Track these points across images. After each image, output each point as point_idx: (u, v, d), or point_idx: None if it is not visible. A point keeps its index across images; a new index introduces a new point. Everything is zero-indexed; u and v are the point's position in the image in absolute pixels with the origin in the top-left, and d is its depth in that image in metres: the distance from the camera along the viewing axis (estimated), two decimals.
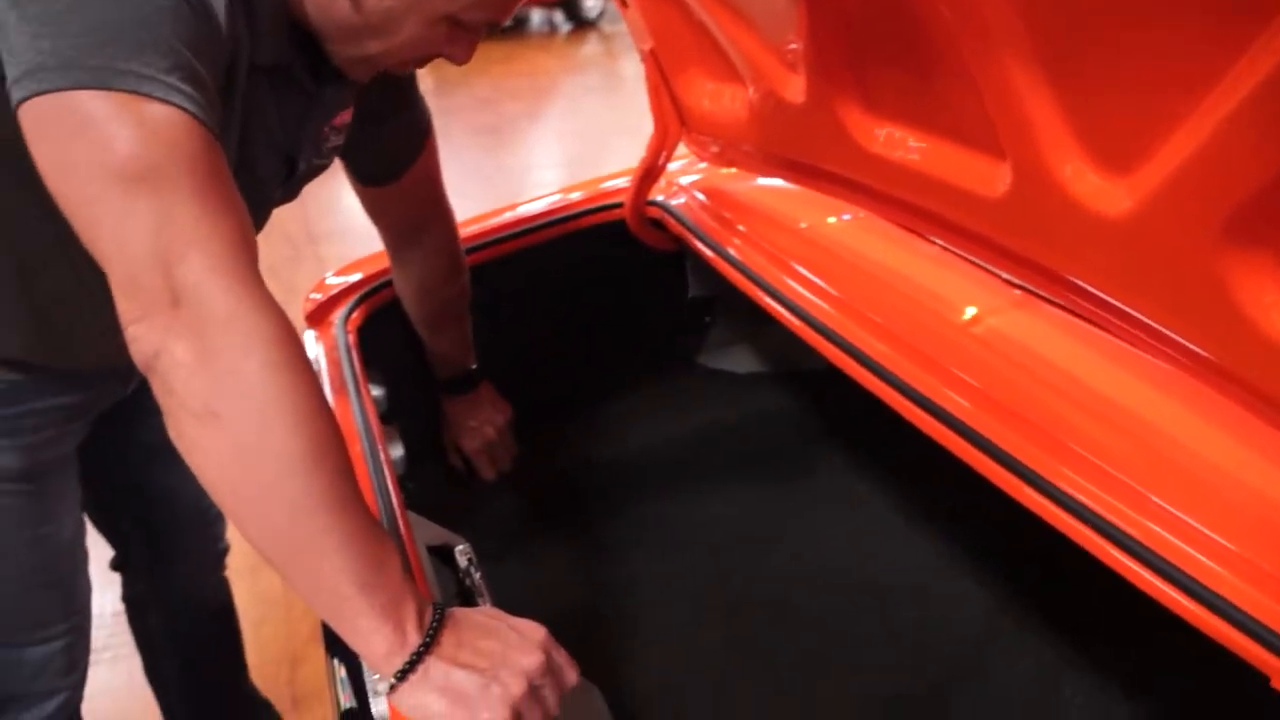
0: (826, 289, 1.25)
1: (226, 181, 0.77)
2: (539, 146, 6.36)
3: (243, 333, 0.72)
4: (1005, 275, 1.13)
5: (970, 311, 1.16)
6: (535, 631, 0.80)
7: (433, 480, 1.58)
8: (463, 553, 0.97)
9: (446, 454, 1.58)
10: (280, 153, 1.02)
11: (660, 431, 1.73)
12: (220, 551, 1.54)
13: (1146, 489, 0.86)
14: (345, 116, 1.09)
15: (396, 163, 1.26)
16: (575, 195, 1.69)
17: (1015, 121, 0.81)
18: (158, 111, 0.72)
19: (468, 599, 0.96)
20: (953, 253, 1.24)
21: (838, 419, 1.73)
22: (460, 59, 0.97)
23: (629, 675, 1.30)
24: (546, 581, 1.46)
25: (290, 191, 1.13)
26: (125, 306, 0.72)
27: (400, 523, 1.02)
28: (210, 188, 0.74)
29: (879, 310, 1.19)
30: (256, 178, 0.99)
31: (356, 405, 1.24)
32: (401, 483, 1.36)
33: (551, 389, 1.74)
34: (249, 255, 0.75)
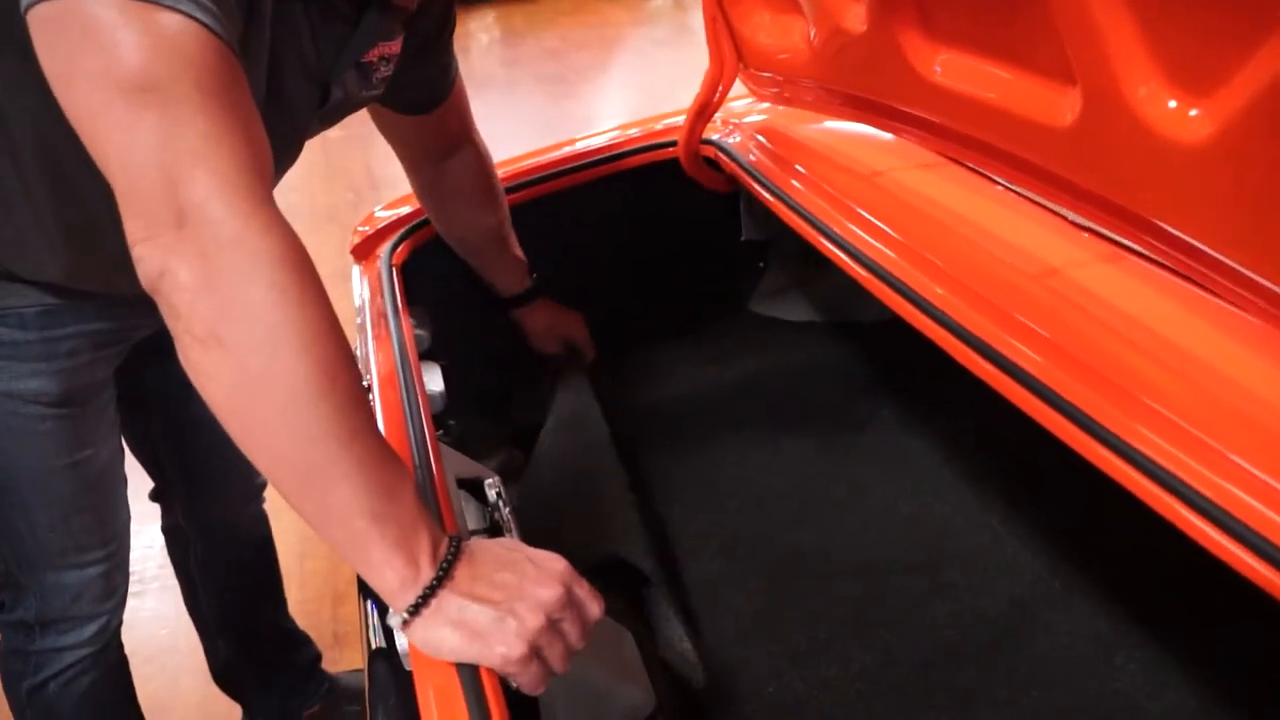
0: (889, 233, 1.19)
1: (241, 98, 0.74)
2: (605, 98, 6.28)
3: (249, 255, 0.69)
4: (1074, 217, 1.06)
5: (1040, 258, 1.08)
6: (555, 563, 0.77)
7: (477, 420, 1.57)
8: (491, 485, 0.95)
9: (535, 367, 1.61)
10: (315, 80, 0.99)
11: (706, 379, 1.69)
12: (259, 485, 1.54)
13: (1225, 447, 0.79)
14: (394, 47, 1.05)
15: (429, 99, 1.27)
16: (632, 132, 1.64)
17: (1087, 40, 0.75)
18: (168, 20, 0.69)
19: (495, 533, 0.94)
20: (1020, 194, 1.17)
21: (892, 373, 1.68)
22: None
23: (663, 625, 1.28)
24: (580, 528, 1.44)
25: (328, 119, 1.10)
26: (130, 225, 0.70)
27: (431, 454, 1.00)
28: (222, 103, 0.71)
29: (943, 256, 1.12)
30: (286, 104, 0.97)
31: (396, 338, 1.22)
32: (440, 420, 1.35)
33: (595, 332, 1.71)
34: (260, 174, 0.72)
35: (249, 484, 1.53)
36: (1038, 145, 0.91)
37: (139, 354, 1.25)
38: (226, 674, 1.67)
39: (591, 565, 1.10)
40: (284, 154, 1.07)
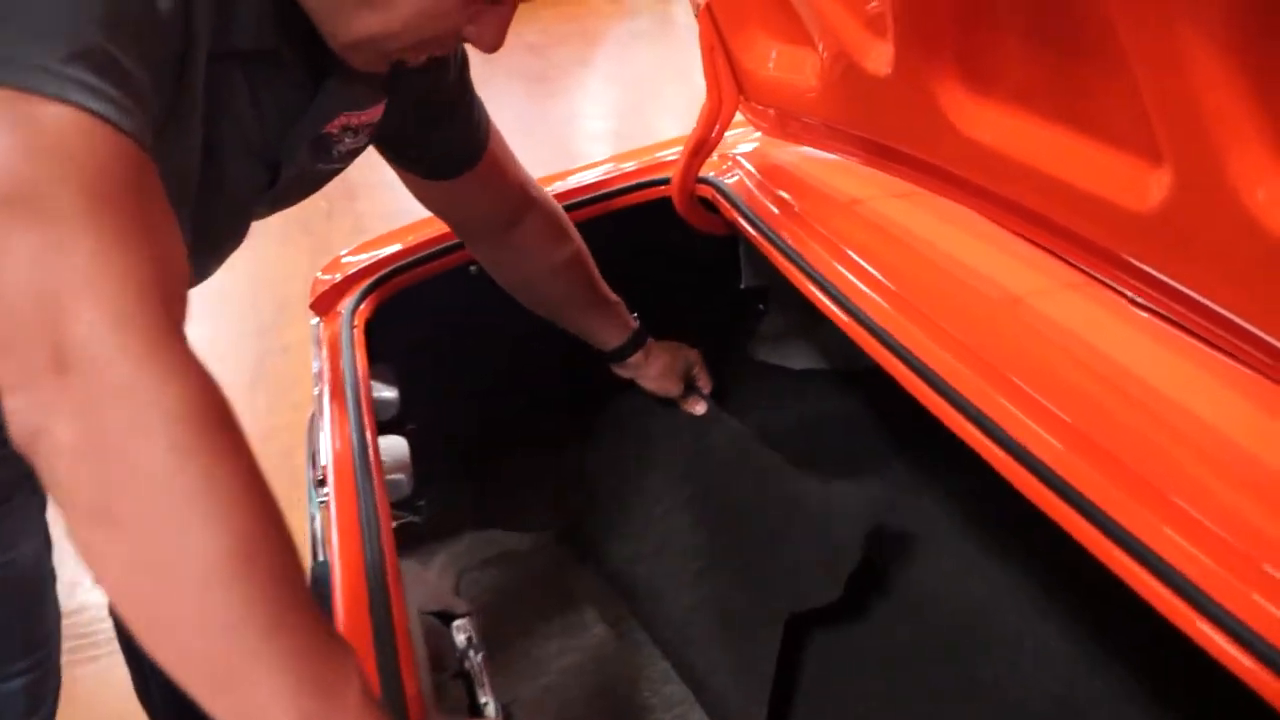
0: (891, 289, 1.05)
1: (145, 204, 0.59)
2: (587, 94, 6.12)
3: (142, 408, 0.54)
4: (1132, 295, 0.92)
5: (1072, 329, 0.93)
6: None
7: (451, 487, 1.43)
8: (461, 628, 0.80)
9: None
10: (262, 157, 0.84)
11: (703, 435, 1.54)
12: None
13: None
14: (368, 115, 0.90)
15: (461, 158, 1.11)
16: (624, 166, 1.50)
17: (1187, 117, 0.61)
18: (50, 113, 0.55)
19: (466, 683, 0.80)
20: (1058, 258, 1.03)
21: (902, 427, 1.54)
22: (487, 43, 0.79)
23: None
24: (557, 604, 1.31)
25: (281, 201, 0.95)
26: (2, 370, 0.56)
27: (389, 578, 0.86)
28: (118, 213, 0.57)
29: (955, 319, 0.98)
30: (227, 186, 0.82)
31: (354, 419, 1.08)
32: (410, 504, 1.21)
33: (584, 382, 1.57)
34: (164, 300, 0.57)
35: None
36: (1104, 225, 0.77)
37: None
38: None
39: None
40: (225, 240, 0.93)
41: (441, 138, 1.05)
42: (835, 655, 1.22)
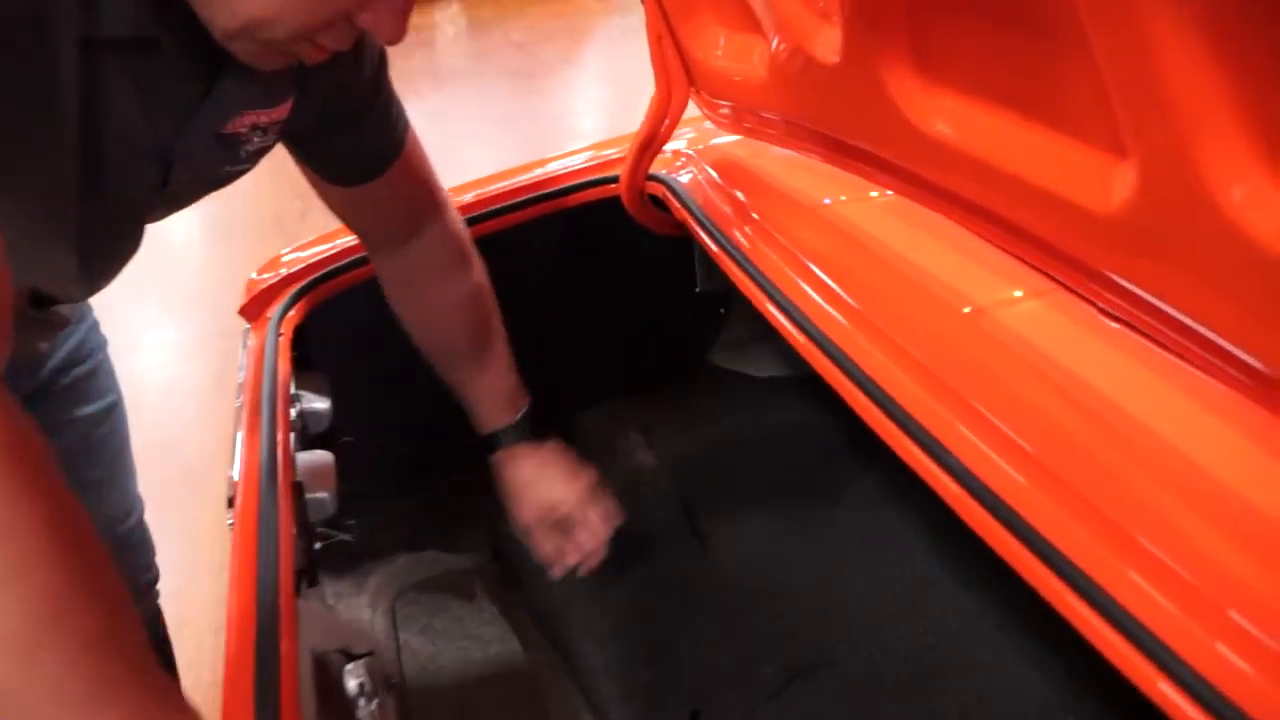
0: (846, 300, 0.97)
1: None
2: (575, 92, 6.03)
3: None
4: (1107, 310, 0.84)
5: (1040, 346, 0.84)
6: None
7: (387, 505, 1.34)
8: (354, 673, 0.72)
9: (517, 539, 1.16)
10: (152, 154, 0.76)
11: (664, 447, 1.47)
12: (147, 582, 1.31)
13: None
14: (277, 113, 0.82)
15: (371, 163, 0.99)
16: (573, 163, 1.41)
17: (1154, 104, 0.53)
18: None
19: None
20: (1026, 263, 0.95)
21: (866, 439, 1.46)
22: (386, 33, 0.70)
23: None
24: (507, 651, 1.22)
25: (178, 202, 0.87)
26: None
27: (281, 612, 0.77)
28: None
29: (910, 334, 0.90)
30: (110, 186, 0.74)
31: (265, 435, 1.00)
32: (339, 522, 1.12)
33: (539, 396, 1.49)
34: None
35: (133, 581, 1.29)
36: (1063, 225, 0.69)
37: None
38: None
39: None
40: (119, 242, 0.84)
41: (347, 141, 0.95)
42: (778, 680, 1.13)
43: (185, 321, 3.23)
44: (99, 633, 0.50)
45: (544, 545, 1.13)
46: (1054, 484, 0.70)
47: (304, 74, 0.80)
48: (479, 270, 1.11)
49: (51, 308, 0.90)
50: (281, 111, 0.83)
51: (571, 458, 1.14)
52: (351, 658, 0.75)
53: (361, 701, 0.71)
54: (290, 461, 0.99)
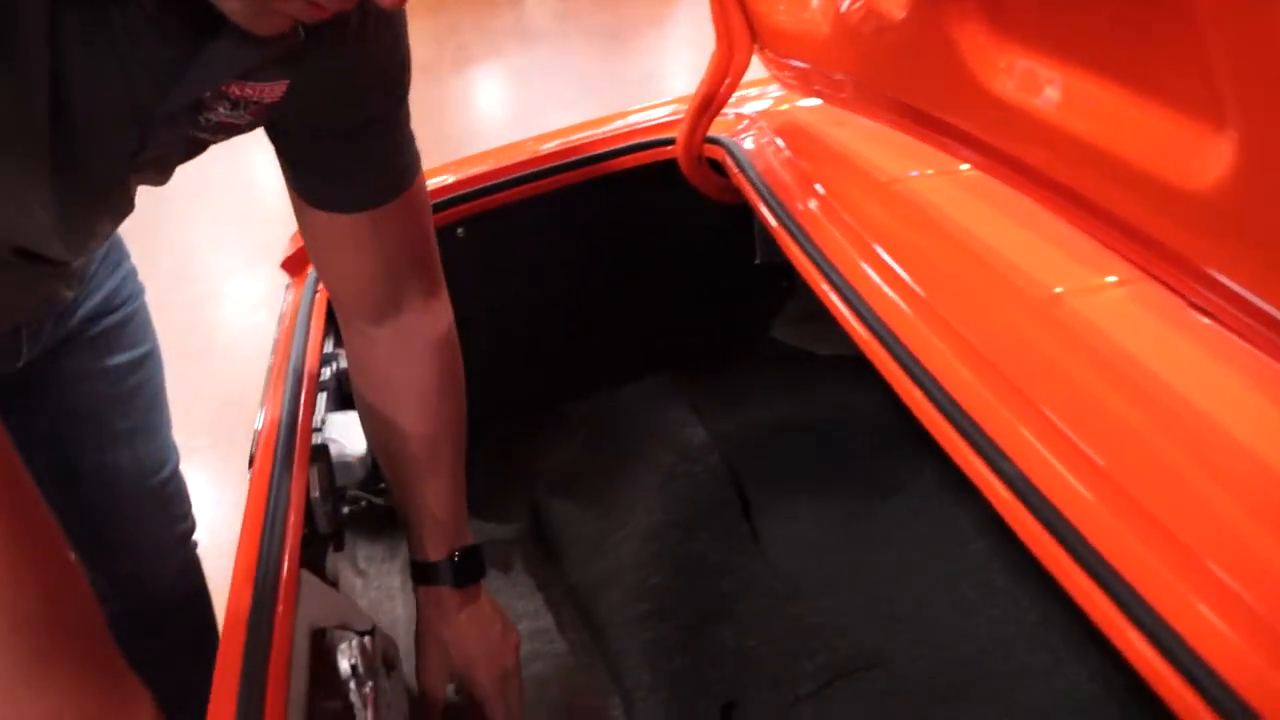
0: (910, 285, 0.88)
1: None
2: (661, 55, 5.93)
3: None
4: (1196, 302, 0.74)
5: (1115, 338, 0.74)
6: None
7: None
8: (346, 652, 0.68)
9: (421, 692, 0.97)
10: (126, 121, 0.69)
11: (715, 423, 1.40)
12: (182, 534, 1.30)
13: None
14: (257, 91, 0.72)
15: (365, 189, 0.84)
16: (633, 120, 1.35)
17: (1262, 67, 0.45)
18: None
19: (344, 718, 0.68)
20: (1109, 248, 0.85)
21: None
22: None
23: None
24: (540, 628, 1.18)
25: (162, 168, 0.80)
26: None
27: (280, 581, 0.74)
28: None
29: (977, 325, 0.81)
30: (85, 155, 0.68)
31: (289, 394, 0.97)
32: (373, 485, 1.10)
33: (583, 366, 1.44)
34: None
35: (169, 536, 1.28)
36: (1147, 204, 0.60)
37: (11, 393, 1.01)
38: None
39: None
40: (99, 207, 0.79)
41: (342, 151, 0.82)
42: (821, 680, 1.07)
43: (264, 273, 3.27)
44: (32, 614, 0.47)
45: (433, 707, 0.96)
46: (1125, 503, 0.61)
47: (307, 53, 0.73)
48: (457, 377, 0.97)
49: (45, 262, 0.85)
50: (264, 92, 0.72)
51: (500, 623, 0.98)
52: (352, 636, 0.71)
53: (353, 685, 0.67)
54: (311, 424, 0.96)
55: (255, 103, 0.71)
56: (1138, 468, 0.64)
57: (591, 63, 5.30)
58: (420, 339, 0.92)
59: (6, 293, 0.85)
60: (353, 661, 0.67)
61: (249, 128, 0.75)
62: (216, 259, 3.40)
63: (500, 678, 0.96)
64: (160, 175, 0.80)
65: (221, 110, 0.70)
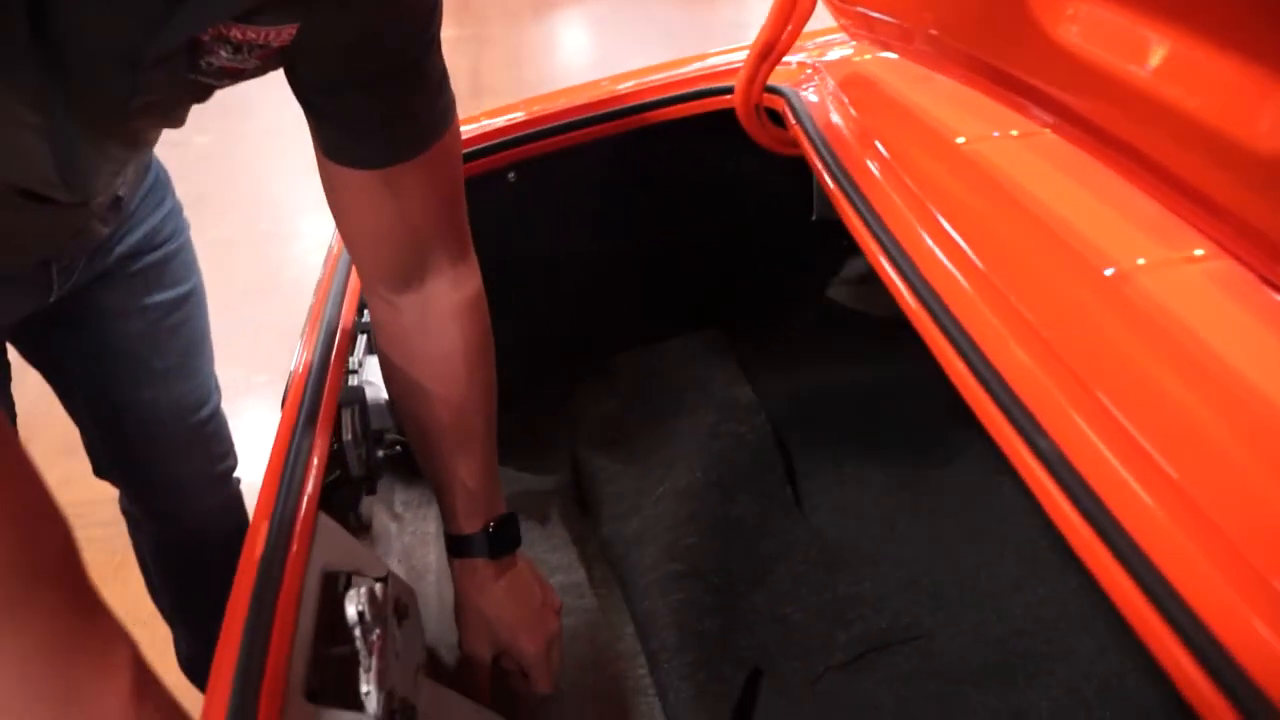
0: (970, 258, 0.82)
1: None
2: (745, 1, 5.81)
3: None
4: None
5: (1187, 322, 0.66)
6: None
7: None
8: (354, 599, 0.67)
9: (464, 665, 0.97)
10: (125, 60, 0.66)
11: (763, 383, 1.37)
12: (222, 472, 1.30)
13: None
14: (260, 34, 0.67)
15: (390, 142, 0.79)
16: (689, 69, 1.31)
17: None
18: None
19: (347, 675, 0.68)
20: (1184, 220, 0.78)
21: None
22: None
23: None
24: (572, 582, 1.17)
25: (162, 112, 0.77)
26: None
27: (296, 524, 0.74)
28: None
29: (1039, 303, 0.74)
30: (77, 95, 0.67)
31: (323, 336, 0.96)
32: (392, 435, 1.09)
33: (630, 317, 1.41)
34: None
35: (209, 473, 1.29)
36: (1223, 169, 0.55)
37: (54, 326, 1.03)
38: (192, 666, 1.50)
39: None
40: (98, 149, 0.78)
41: (364, 103, 0.76)
42: (861, 660, 1.04)
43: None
44: (3, 563, 0.46)
45: (481, 676, 0.95)
46: (1182, 506, 0.56)
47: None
48: (486, 345, 0.93)
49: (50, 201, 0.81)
50: (268, 35, 0.68)
51: (539, 589, 0.96)
52: (363, 582, 0.71)
53: (358, 631, 0.67)
54: (345, 365, 0.95)
55: (261, 46, 0.67)
56: (1199, 467, 0.58)
57: (674, 10, 5.20)
58: (447, 306, 0.88)
59: (25, 231, 0.85)
60: (360, 608, 0.67)
61: (257, 73, 0.71)
62: (290, 197, 3.43)
63: (544, 646, 0.94)
64: (167, 119, 0.78)
65: (223, 54, 0.67)
